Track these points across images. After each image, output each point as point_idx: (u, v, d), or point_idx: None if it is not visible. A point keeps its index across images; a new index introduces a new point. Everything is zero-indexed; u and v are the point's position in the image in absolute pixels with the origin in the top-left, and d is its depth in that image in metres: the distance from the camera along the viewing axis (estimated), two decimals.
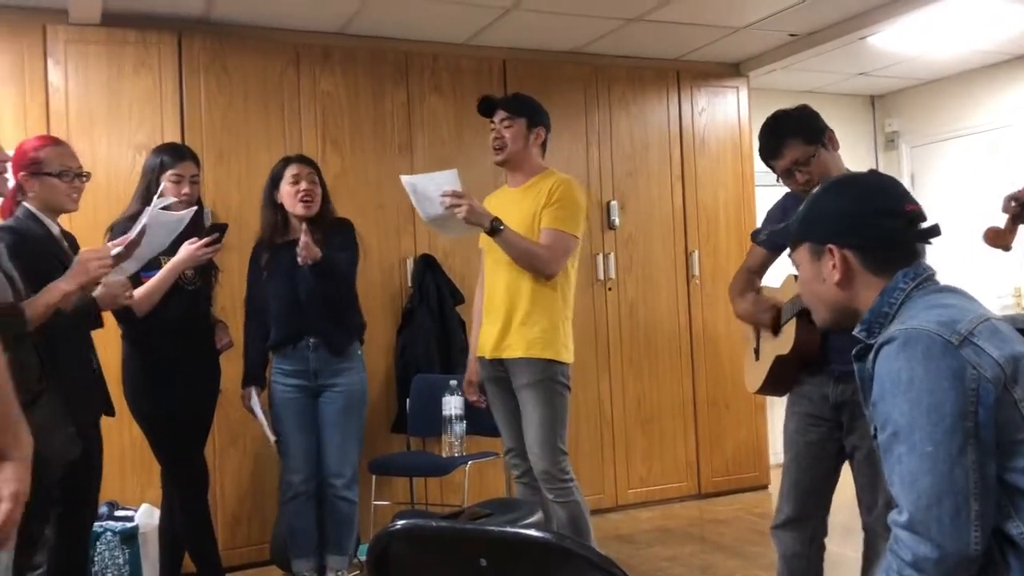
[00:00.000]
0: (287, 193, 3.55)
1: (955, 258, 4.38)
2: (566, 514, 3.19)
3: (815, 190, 1.75)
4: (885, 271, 1.59)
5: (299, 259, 3.35)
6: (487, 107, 3.33)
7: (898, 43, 5.21)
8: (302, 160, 3.65)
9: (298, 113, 4.50)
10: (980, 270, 4.85)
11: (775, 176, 2.71)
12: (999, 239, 2.07)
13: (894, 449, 1.41)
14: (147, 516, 3.78)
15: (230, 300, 4.03)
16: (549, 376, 3.19)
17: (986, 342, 1.41)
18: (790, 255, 1.76)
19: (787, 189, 2.77)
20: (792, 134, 2.61)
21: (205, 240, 3.23)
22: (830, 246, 1.61)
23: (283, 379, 3.60)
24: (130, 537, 3.71)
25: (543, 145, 3.37)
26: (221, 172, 4.33)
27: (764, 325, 2.80)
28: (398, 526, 1.32)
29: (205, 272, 3.46)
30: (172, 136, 4.14)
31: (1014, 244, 2.13)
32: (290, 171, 3.57)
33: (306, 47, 4.53)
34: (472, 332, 3.54)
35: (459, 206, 3.03)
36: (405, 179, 3.16)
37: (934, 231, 1.61)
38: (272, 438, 3.61)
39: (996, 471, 1.37)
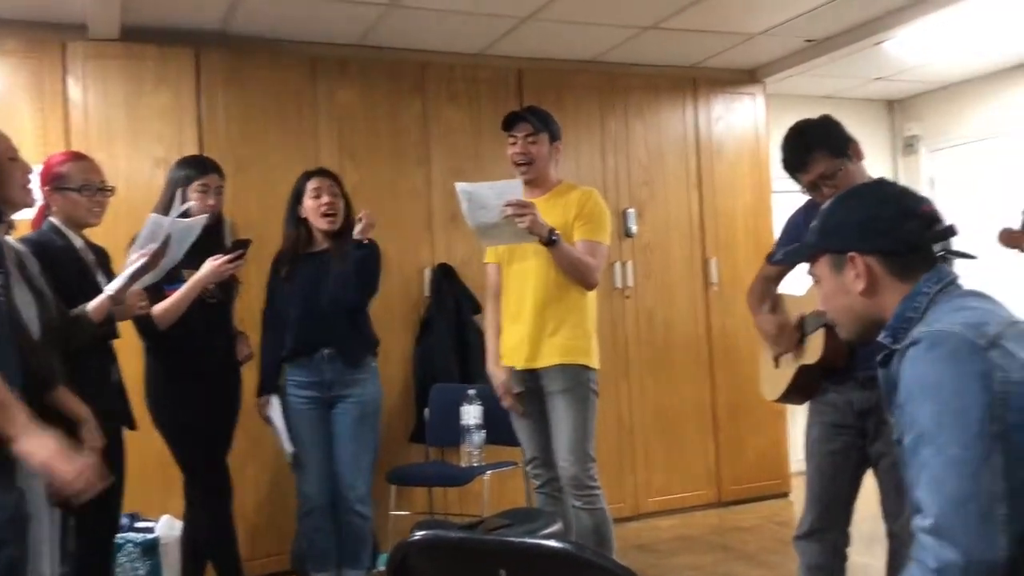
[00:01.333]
0: (310, 207, 3.57)
1: (977, 263, 4.34)
2: (592, 522, 3.18)
3: (827, 203, 1.72)
4: (909, 276, 1.57)
5: (356, 231, 3.42)
6: (513, 120, 3.32)
7: (914, 48, 5.18)
8: (323, 173, 3.66)
9: (315, 125, 4.53)
10: (1004, 274, 4.79)
11: (799, 187, 2.69)
12: (1013, 240, 2.06)
13: (920, 452, 1.39)
14: (168, 527, 3.80)
15: (248, 312, 4.03)
16: (582, 381, 3.23)
17: (1015, 345, 1.39)
18: (809, 271, 1.73)
19: (804, 197, 2.76)
20: (818, 147, 2.59)
21: (229, 257, 3.26)
22: (852, 254, 1.59)
23: (297, 390, 3.59)
24: (151, 548, 3.72)
25: (558, 159, 3.43)
26: (239, 185, 4.34)
27: (787, 351, 2.78)
28: (417, 537, 1.32)
29: (227, 286, 3.48)
30: (191, 150, 4.17)
31: None
32: (311, 184, 3.58)
33: (323, 59, 4.56)
34: (489, 344, 3.51)
35: (523, 216, 3.03)
36: (461, 186, 3.15)
37: (950, 231, 1.60)
38: (289, 449, 3.60)
39: None
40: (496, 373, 3.44)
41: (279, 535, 4.25)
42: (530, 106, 3.51)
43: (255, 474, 4.29)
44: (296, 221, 3.62)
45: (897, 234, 1.59)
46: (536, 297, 3.24)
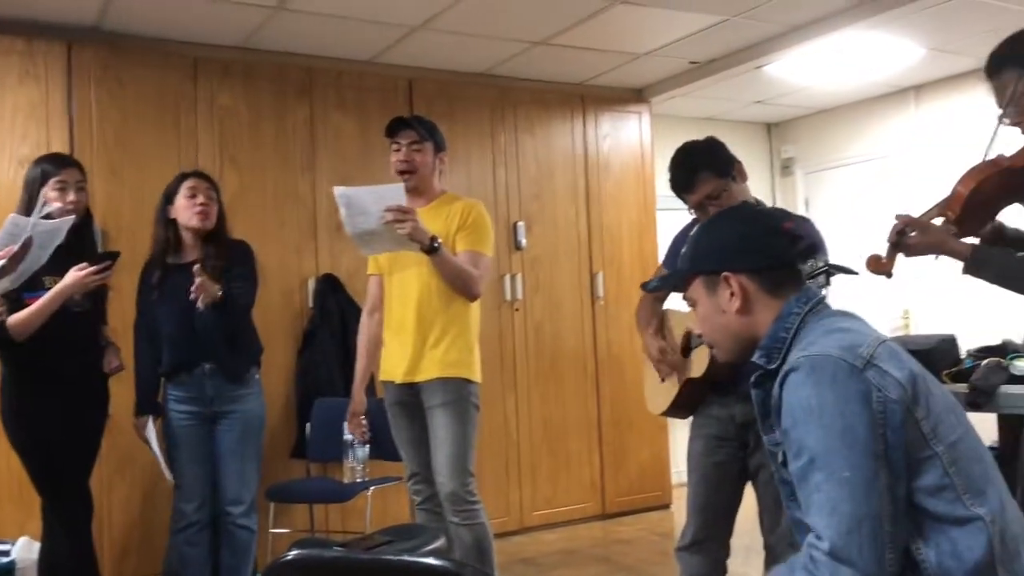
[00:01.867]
0: (182, 207, 3.39)
1: (847, 280, 4.53)
2: (471, 537, 3.14)
3: (695, 229, 1.77)
4: (780, 293, 1.60)
5: (193, 299, 3.18)
6: (397, 127, 3.27)
7: (793, 72, 5.40)
8: (199, 175, 3.51)
9: (195, 128, 4.36)
10: (871, 292, 5.02)
11: (686, 206, 2.74)
12: (880, 267, 2.13)
13: (811, 478, 1.40)
14: (25, 550, 3.56)
15: (121, 322, 3.83)
16: (463, 395, 3.18)
17: (887, 363, 1.43)
18: (684, 297, 1.74)
19: (688, 216, 2.81)
20: (704, 168, 2.65)
21: (95, 268, 3.08)
22: (725, 274, 1.61)
23: (178, 406, 3.42)
24: (7, 572, 3.50)
25: (441, 171, 3.39)
26: (113, 188, 4.16)
27: (667, 375, 2.82)
28: (291, 556, 1.26)
29: (95, 294, 3.29)
30: (60, 150, 3.95)
31: (895, 271, 2.18)
32: (187, 185, 3.42)
33: (205, 60, 4.41)
34: (360, 362, 3.44)
35: (403, 222, 2.97)
36: (339, 191, 3.05)
37: (812, 249, 1.66)
38: (169, 475, 3.43)
39: (904, 492, 1.39)
40: (356, 397, 3.40)
41: (150, 555, 4.05)
42: (416, 115, 3.47)
43: (126, 492, 4.08)
44: (165, 222, 3.43)
45: (767, 251, 1.63)
46: (418, 308, 3.19)
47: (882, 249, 2.17)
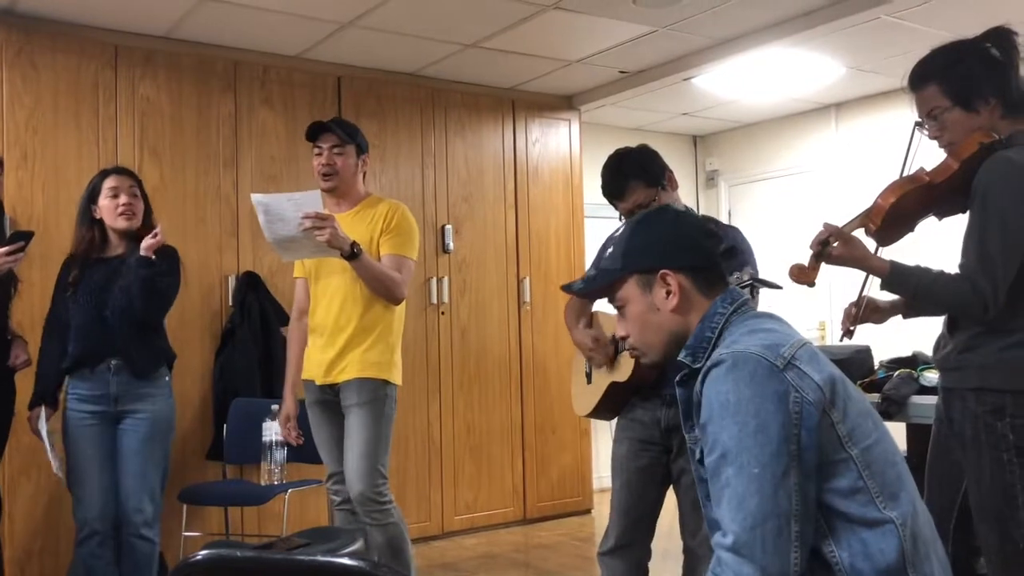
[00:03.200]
0: (106, 207, 3.27)
1: (766, 291, 4.63)
2: (384, 537, 3.12)
3: (622, 227, 1.73)
4: (711, 294, 1.61)
5: (143, 247, 3.15)
6: (318, 131, 3.23)
7: (720, 86, 5.50)
8: (121, 172, 3.38)
9: (114, 118, 4.22)
10: (789, 303, 5.14)
11: (617, 213, 2.77)
12: (803, 276, 2.16)
13: (722, 472, 1.42)
14: None
15: (28, 315, 3.69)
16: (379, 396, 3.17)
17: (807, 365, 1.45)
18: (611, 300, 1.70)
19: (616, 223, 2.83)
20: (635, 176, 2.69)
21: (7, 249, 2.95)
22: (664, 271, 1.61)
23: (79, 404, 3.25)
24: None
25: (365, 173, 3.37)
26: (24, 176, 4.00)
27: (602, 363, 2.83)
28: (200, 556, 1.21)
29: (3, 284, 3.16)
30: None
31: (818, 280, 2.23)
32: (108, 183, 3.29)
33: (126, 49, 4.27)
34: (290, 366, 3.41)
35: (322, 229, 2.93)
36: (257, 197, 3.02)
37: (738, 258, 1.67)
38: (56, 465, 3.24)
39: (815, 493, 1.41)
40: (288, 401, 3.38)
41: (53, 561, 3.90)
42: (336, 117, 3.43)
43: (31, 494, 3.92)
44: (90, 222, 3.31)
45: (701, 251, 1.65)
46: (340, 311, 3.19)
47: (805, 259, 2.21)
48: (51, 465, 3.29)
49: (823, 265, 2.18)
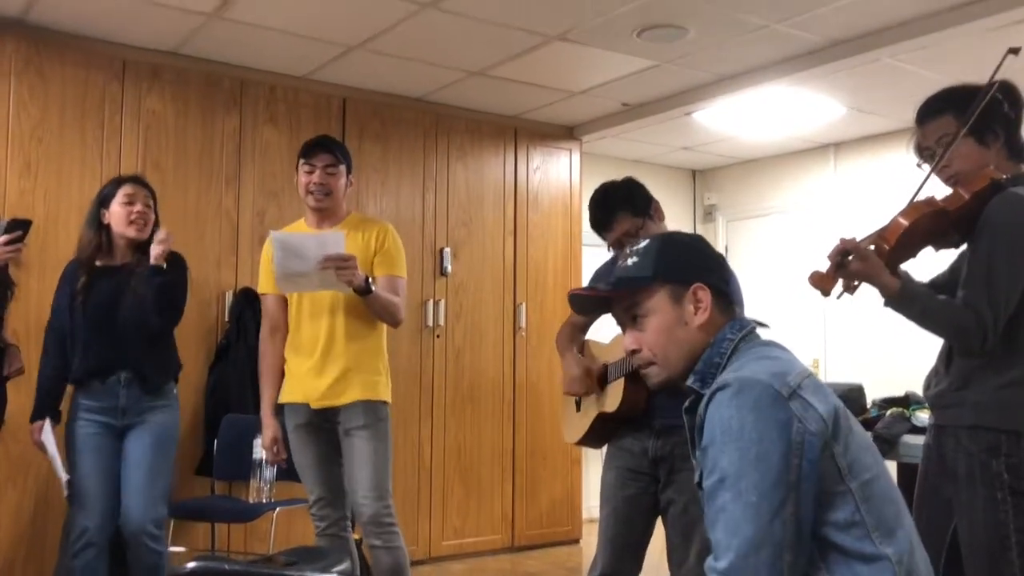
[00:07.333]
0: (117, 214, 3.26)
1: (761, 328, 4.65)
2: (390, 561, 3.07)
3: (648, 240, 1.71)
4: (726, 316, 1.63)
5: (153, 255, 3.14)
6: (316, 150, 3.20)
7: (720, 122, 5.55)
8: (138, 181, 3.37)
9: (119, 130, 4.25)
10: (783, 340, 5.16)
11: (606, 245, 2.80)
12: (822, 282, 2.15)
13: (719, 496, 1.42)
14: None
15: (23, 323, 3.70)
16: (381, 418, 3.15)
17: (812, 396, 1.46)
18: (629, 308, 1.66)
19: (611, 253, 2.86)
20: (621, 207, 2.73)
21: (5, 238, 2.92)
22: (698, 285, 1.61)
23: (87, 415, 3.22)
24: None
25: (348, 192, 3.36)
26: (26, 184, 4.01)
27: (588, 393, 2.84)
28: (190, 567, 1.21)
29: (0, 287, 3.15)
30: None
31: (833, 292, 2.21)
32: (124, 191, 3.28)
33: (134, 63, 4.30)
34: (269, 386, 3.27)
35: (345, 269, 2.93)
36: (276, 235, 3.02)
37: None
38: (64, 479, 3.20)
39: (812, 523, 1.42)
40: (270, 424, 3.23)
41: (36, 571, 3.87)
42: (327, 136, 3.40)
43: (16, 502, 3.89)
44: (98, 226, 3.29)
45: (724, 273, 1.68)
46: (329, 336, 3.12)
47: (821, 267, 2.19)
48: (55, 478, 3.25)
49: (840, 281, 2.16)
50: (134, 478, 3.22)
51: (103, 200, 3.29)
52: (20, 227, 3.00)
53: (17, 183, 3.96)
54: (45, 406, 3.27)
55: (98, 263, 3.27)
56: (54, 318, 3.33)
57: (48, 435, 3.21)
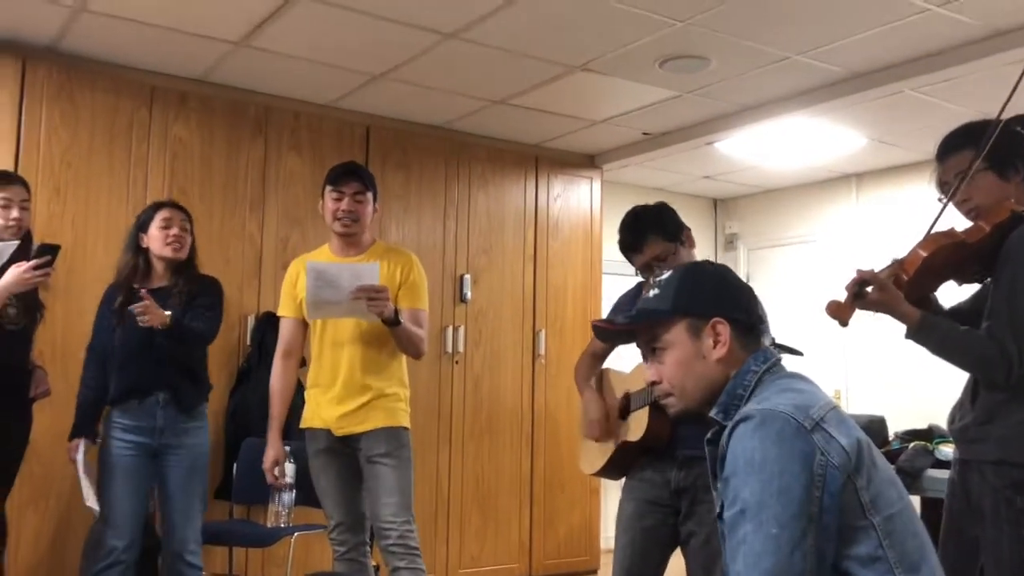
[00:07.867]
0: (155, 237, 3.35)
1: (783, 358, 4.62)
2: None
3: (671, 272, 1.72)
4: (749, 349, 1.62)
5: (139, 322, 3.13)
6: (345, 177, 3.24)
7: (741, 152, 5.56)
8: (175, 206, 3.47)
9: (146, 156, 4.31)
10: (804, 370, 5.13)
11: (633, 268, 2.79)
12: (839, 312, 2.14)
13: (740, 527, 1.42)
14: None
15: (49, 346, 3.74)
16: (404, 443, 3.19)
17: (835, 428, 1.45)
18: (649, 341, 1.68)
19: (633, 280, 2.86)
20: (653, 230, 2.72)
21: (35, 263, 2.98)
22: (717, 319, 1.62)
23: (123, 435, 3.28)
24: None
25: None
26: (56, 209, 4.07)
27: (601, 439, 2.83)
28: None
29: (30, 311, 3.20)
30: (5, 166, 3.87)
31: (851, 321, 2.19)
32: (161, 215, 3.37)
33: (162, 90, 4.38)
34: (278, 408, 3.32)
35: (376, 300, 2.97)
36: (312, 264, 3.06)
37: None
38: (95, 505, 3.25)
39: (833, 557, 1.41)
40: (275, 446, 3.27)
41: None
42: (355, 163, 3.45)
43: (37, 525, 3.91)
44: (136, 249, 3.38)
45: (747, 306, 1.66)
46: (350, 365, 3.16)
47: (838, 297, 2.18)
48: (81, 500, 3.29)
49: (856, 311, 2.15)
50: (174, 505, 3.32)
51: (141, 225, 3.38)
52: (49, 252, 3.06)
53: (47, 207, 4.02)
54: (83, 425, 3.33)
55: (135, 285, 3.32)
56: (95, 339, 3.40)
57: (81, 457, 3.25)
